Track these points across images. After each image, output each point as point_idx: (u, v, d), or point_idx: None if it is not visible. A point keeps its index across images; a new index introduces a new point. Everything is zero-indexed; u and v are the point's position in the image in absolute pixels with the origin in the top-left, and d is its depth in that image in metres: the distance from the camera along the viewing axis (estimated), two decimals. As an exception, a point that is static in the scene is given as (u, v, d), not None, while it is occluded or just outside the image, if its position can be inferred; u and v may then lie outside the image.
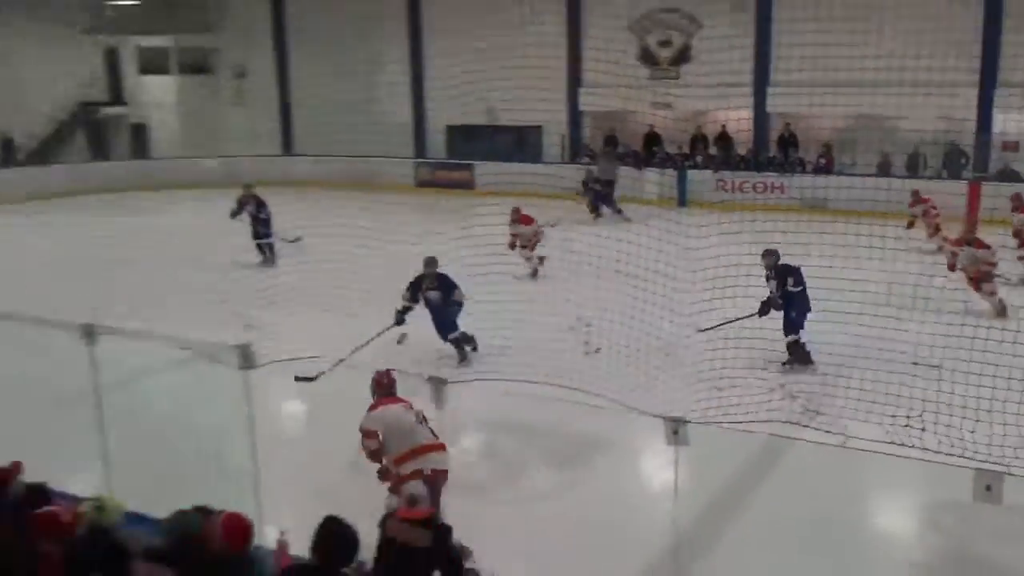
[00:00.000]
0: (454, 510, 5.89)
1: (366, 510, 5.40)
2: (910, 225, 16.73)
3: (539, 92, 20.59)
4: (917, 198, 17.06)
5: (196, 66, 29.82)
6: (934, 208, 16.74)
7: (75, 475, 6.95)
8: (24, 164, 26.72)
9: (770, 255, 10.73)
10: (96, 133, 29.24)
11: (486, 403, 9.27)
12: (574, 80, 25.18)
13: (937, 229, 16.43)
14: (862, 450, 7.81)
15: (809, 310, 10.58)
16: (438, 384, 6.65)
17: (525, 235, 15.26)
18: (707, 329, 10.67)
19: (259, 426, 6.60)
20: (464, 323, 11.08)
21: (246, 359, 6.48)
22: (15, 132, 26.74)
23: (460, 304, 11.05)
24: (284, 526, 6.11)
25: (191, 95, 29.59)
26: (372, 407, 6.81)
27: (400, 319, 10.79)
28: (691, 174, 23.35)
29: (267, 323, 12.06)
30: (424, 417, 6.68)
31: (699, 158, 24.16)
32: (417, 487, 5.43)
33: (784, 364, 10.48)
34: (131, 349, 7.76)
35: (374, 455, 6.69)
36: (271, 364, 7.13)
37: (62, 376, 7.75)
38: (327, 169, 24.77)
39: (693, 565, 6.49)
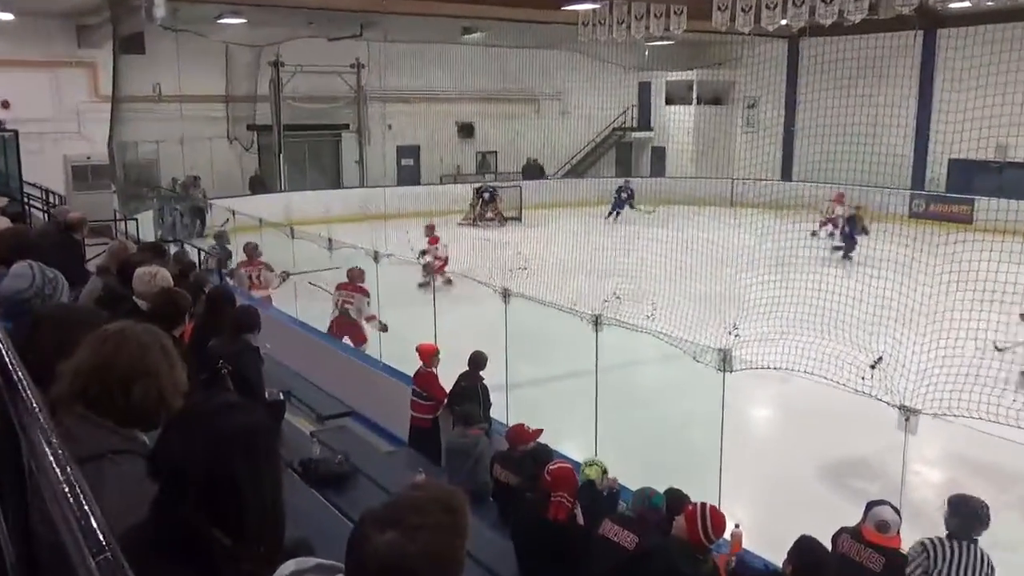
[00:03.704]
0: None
1: (817, 510, 5.14)
2: None
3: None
4: None
5: (714, 97, 30.54)
6: None
7: (572, 438, 7.50)
8: (562, 177, 29.32)
9: None
10: (625, 153, 31.42)
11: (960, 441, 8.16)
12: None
13: None
14: None
15: None
16: (908, 414, 6.07)
17: None
18: None
19: (728, 422, 6.62)
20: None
21: (724, 362, 6.56)
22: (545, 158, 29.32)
23: None
24: (739, 519, 6.09)
25: (707, 122, 30.32)
26: None
27: None
28: None
29: (752, 334, 11.86)
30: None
31: None
32: (887, 512, 5.01)
33: None
34: (631, 340, 8.14)
35: None
36: (745, 370, 7.06)
37: (576, 355, 8.28)
38: (819, 194, 23.57)
39: None
